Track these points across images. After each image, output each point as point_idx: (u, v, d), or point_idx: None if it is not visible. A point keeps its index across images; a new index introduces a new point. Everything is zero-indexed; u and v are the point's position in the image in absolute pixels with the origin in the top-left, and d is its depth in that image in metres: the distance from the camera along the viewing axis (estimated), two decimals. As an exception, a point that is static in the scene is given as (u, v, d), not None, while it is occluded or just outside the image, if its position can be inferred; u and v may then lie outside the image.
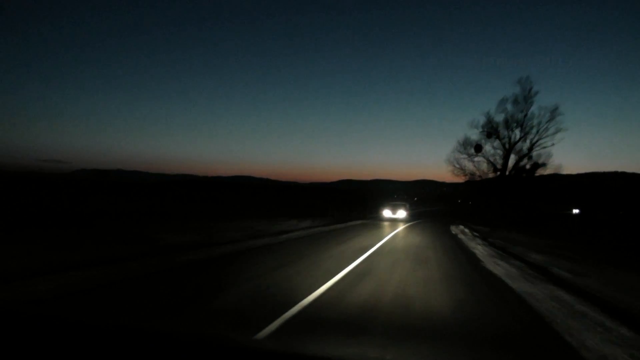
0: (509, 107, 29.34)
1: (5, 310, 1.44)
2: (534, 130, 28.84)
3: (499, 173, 30.94)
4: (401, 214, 26.45)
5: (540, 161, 29.48)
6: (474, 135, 31.98)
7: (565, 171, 30.77)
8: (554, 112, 28.12)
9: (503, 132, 30.04)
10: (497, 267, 8.39)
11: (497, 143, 30.78)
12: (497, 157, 31.15)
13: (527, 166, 29.82)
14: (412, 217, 30.88)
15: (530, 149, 29.17)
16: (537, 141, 28.92)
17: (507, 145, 30.02)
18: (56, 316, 1.37)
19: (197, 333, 1.19)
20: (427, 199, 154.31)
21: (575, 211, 76.47)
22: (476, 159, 32.09)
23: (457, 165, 33.40)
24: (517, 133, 29.57)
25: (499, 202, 31.67)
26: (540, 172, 30.08)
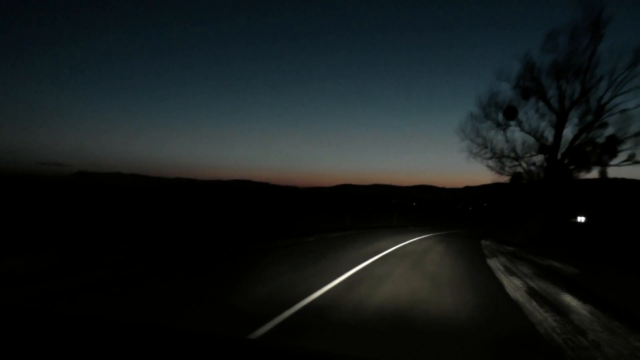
0: (563, 44, 17.33)
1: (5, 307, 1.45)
2: (604, 84, 16.99)
3: (547, 155, 19.09)
4: None
5: (623, 132, 17.16)
6: (504, 92, 19.18)
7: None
8: None
9: (551, 86, 18.18)
10: None
11: (541, 105, 18.59)
12: (545, 129, 18.87)
13: (600, 140, 17.73)
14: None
15: (599, 112, 17.33)
16: (609, 101, 17.23)
17: (558, 109, 18.39)
18: (54, 312, 1.37)
19: (192, 331, 1.19)
20: (426, 205, 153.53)
21: (581, 219, 69.52)
22: (509, 129, 19.85)
23: (478, 140, 20.65)
24: (577, 88, 17.65)
25: (547, 204, 19.72)
26: (626, 148, 17.52)
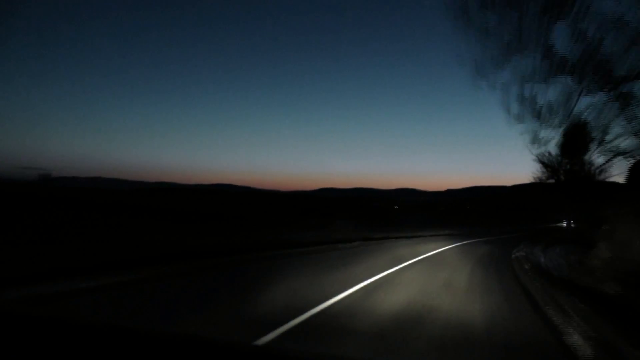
0: None
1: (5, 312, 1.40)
2: None
3: None
4: None
5: None
6: None
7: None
8: None
9: None
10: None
11: None
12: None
13: None
14: None
15: None
16: None
17: None
18: (54, 318, 1.33)
19: (196, 336, 1.15)
20: (407, 208, 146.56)
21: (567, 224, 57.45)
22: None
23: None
24: None
25: None
26: None
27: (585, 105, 7.91)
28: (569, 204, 16.95)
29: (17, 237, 10.52)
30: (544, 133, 8.96)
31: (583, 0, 6.35)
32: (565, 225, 54.43)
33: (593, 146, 8.26)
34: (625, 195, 8.65)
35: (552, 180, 16.57)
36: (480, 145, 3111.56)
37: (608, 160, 9.06)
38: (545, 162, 15.80)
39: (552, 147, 8.63)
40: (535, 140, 9.34)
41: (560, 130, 8.65)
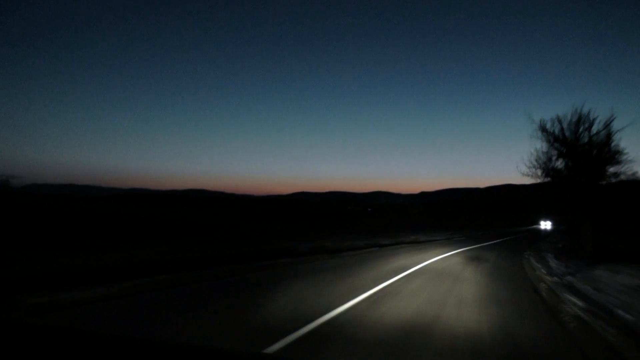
0: None
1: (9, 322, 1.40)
2: None
3: None
4: None
5: None
6: None
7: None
8: None
9: None
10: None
11: None
12: None
13: None
14: None
15: None
16: None
17: None
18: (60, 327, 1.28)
19: (204, 347, 1.15)
20: (382, 211, 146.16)
21: (546, 225, 50.37)
22: None
23: None
24: None
25: None
26: None
27: None
28: (564, 200, 12.67)
29: None
30: None
31: None
32: (543, 227, 48.87)
33: None
34: None
35: (559, 163, 12.64)
36: (453, 148, 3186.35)
37: None
38: (554, 133, 11.05)
39: None
40: None
41: None
